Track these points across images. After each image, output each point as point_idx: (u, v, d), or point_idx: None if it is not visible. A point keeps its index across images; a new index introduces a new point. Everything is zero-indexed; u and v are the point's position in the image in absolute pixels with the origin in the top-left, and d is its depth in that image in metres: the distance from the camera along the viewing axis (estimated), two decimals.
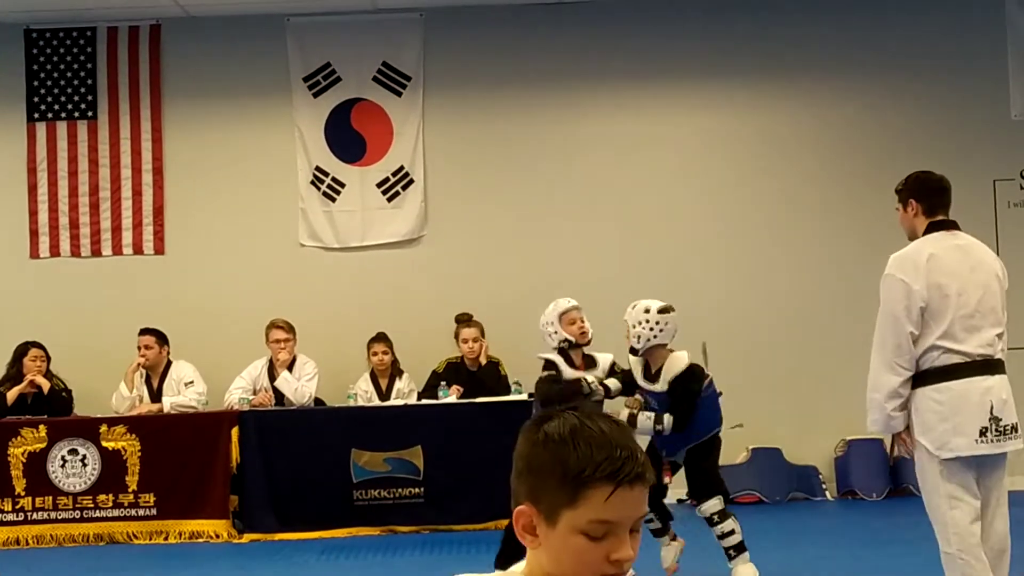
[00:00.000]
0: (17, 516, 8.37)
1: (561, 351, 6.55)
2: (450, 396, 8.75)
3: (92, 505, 8.38)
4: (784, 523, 8.46)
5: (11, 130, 9.86)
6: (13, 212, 9.83)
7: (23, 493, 8.37)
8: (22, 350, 9.10)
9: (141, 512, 8.36)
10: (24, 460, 8.39)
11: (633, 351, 6.45)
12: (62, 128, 9.87)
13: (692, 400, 6.34)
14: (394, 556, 7.64)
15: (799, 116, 9.90)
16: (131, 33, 9.89)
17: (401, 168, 9.90)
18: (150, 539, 8.31)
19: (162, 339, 9.17)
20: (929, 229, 4.81)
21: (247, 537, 8.32)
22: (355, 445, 8.39)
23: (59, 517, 8.37)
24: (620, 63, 9.83)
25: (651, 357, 6.42)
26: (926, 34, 9.80)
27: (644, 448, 6.38)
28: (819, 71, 9.86)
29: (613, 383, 6.56)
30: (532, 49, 9.86)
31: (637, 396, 6.49)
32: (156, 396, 9.09)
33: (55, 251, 9.84)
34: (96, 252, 9.84)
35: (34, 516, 8.37)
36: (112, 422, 8.52)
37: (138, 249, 9.85)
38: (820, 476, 9.45)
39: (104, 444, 8.41)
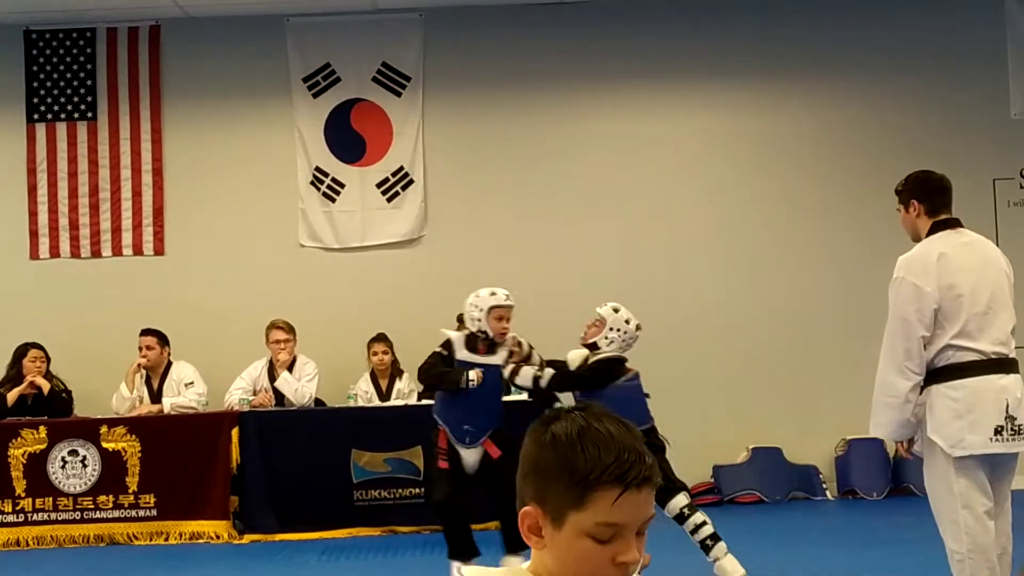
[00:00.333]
0: (17, 517, 8.36)
1: (470, 335, 6.58)
2: None
3: (92, 506, 8.37)
4: (784, 523, 8.45)
5: (11, 131, 9.87)
6: (13, 213, 9.83)
7: (23, 494, 8.36)
8: (22, 351, 9.10)
9: (141, 513, 8.36)
10: (24, 461, 8.38)
11: (592, 347, 6.49)
12: (62, 129, 9.87)
13: (602, 373, 6.42)
14: (394, 556, 7.64)
15: (799, 116, 9.90)
16: (131, 34, 9.89)
17: (401, 168, 9.90)
18: (150, 540, 8.31)
19: (163, 340, 9.16)
20: (934, 228, 4.78)
21: (247, 538, 8.31)
22: (355, 445, 8.39)
23: (59, 518, 8.36)
24: (620, 63, 9.83)
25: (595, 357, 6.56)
26: (926, 34, 9.81)
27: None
28: (819, 71, 9.86)
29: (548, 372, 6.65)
30: (532, 49, 9.86)
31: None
32: (156, 397, 9.08)
33: (55, 252, 9.84)
34: (96, 253, 9.84)
35: (34, 517, 8.36)
36: (112, 423, 8.51)
37: (138, 250, 9.85)
38: (820, 476, 9.44)
39: (104, 445, 8.40)
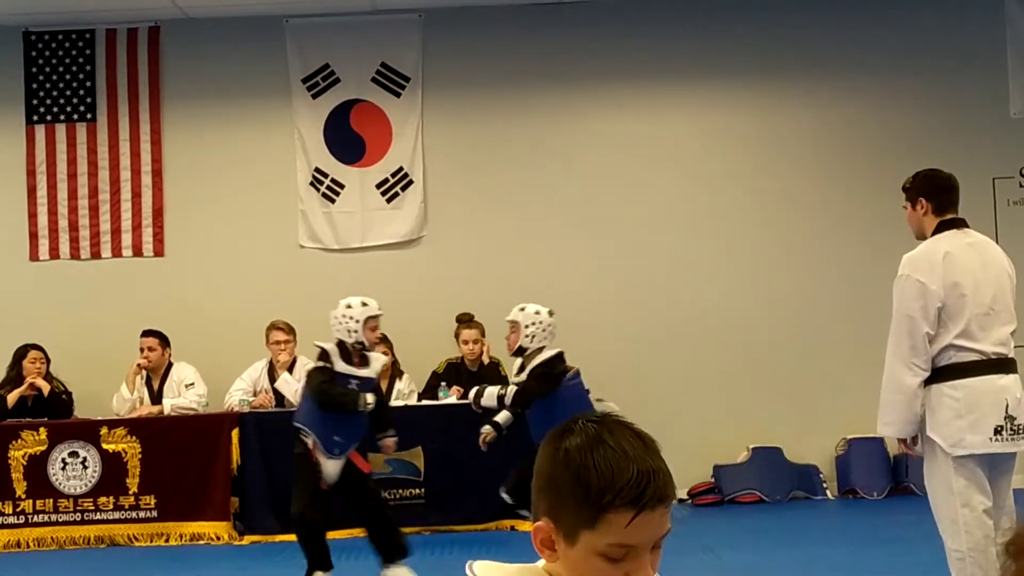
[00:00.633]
0: (18, 519, 8.36)
1: (341, 344, 6.54)
2: (450, 397, 8.75)
3: (93, 507, 8.37)
4: (785, 522, 8.45)
5: (10, 132, 9.86)
6: (12, 214, 9.83)
7: (24, 496, 8.36)
8: (22, 352, 9.10)
9: (142, 514, 8.35)
10: (25, 463, 8.38)
11: (521, 351, 6.65)
12: (61, 130, 9.86)
13: (548, 380, 6.50)
14: None
15: (799, 116, 9.90)
16: (130, 35, 9.89)
17: (400, 169, 9.89)
18: (151, 541, 8.30)
19: (164, 341, 9.16)
20: (940, 227, 4.78)
21: (248, 539, 8.31)
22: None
23: (60, 520, 8.36)
24: (620, 63, 9.82)
25: (527, 357, 6.70)
26: (926, 34, 9.81)
27: (527, 438, 6.39)
28: (819, 71, 9.86)
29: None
30: (532, 49, 9.86)
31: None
32: (157, 398, 9.08)
33: (55, 253, 9.83)
34: (95, 254, 9.83)
35: (35, 519, 8.36)
36: (112, 424, 8.51)
37: (138, 251, 9.85)
38: (821, 475, 9.44)
39: (104, 446, 8.40)
